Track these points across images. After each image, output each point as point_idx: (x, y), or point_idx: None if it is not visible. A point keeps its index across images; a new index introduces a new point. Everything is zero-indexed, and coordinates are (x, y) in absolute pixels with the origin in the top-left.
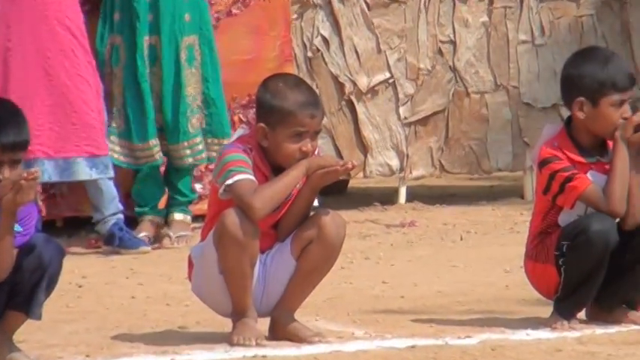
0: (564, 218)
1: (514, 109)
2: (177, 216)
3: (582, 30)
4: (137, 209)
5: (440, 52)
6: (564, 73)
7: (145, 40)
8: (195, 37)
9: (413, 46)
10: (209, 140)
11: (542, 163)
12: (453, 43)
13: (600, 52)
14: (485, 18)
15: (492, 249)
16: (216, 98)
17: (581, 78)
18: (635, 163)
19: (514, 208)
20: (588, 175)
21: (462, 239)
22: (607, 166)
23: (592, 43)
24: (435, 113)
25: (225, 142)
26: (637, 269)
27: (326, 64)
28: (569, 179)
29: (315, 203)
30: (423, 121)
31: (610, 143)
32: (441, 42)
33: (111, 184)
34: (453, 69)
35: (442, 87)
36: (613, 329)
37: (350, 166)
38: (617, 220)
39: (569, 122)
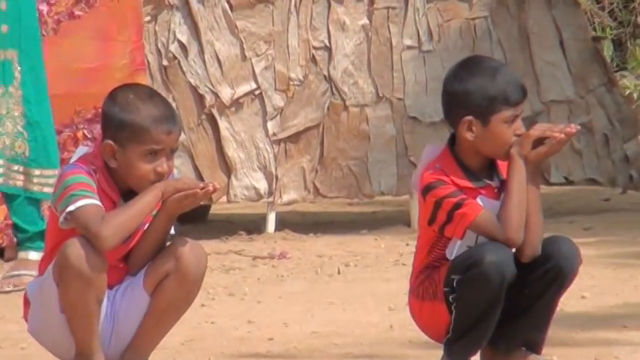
0: (453, 250)
1: (399, 124)
2: (21, 254)
3: (475, 34)
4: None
5: (313, 59)
6: (447, 90)
7: None
8: (13, 52)
9: (282, 53)
10: (35, 171)
11: (426, 190)
12: (328, 49)
13: (486, 63)
14: (364, 21)
15: (375, 284)
16: (41, 121)
17: (468, 94)
18: (532, 183)
19: (399, 238)
20: (478, 200)
21: (339, 273)
22: (497, 190)
23: (486, 48)
24: (307, 129)
25: (51, 172)
26: (537, 307)
27: (184, 73)
28: (457, 206)
29: (172, 232)
30: (295, 137)
31: (501, 164)
32: (315, 48)
33: None
34: (329, 79)
35: (316, 99)
36: None
37: (211, 189)
38: (514, 250)
39: (452, 141)
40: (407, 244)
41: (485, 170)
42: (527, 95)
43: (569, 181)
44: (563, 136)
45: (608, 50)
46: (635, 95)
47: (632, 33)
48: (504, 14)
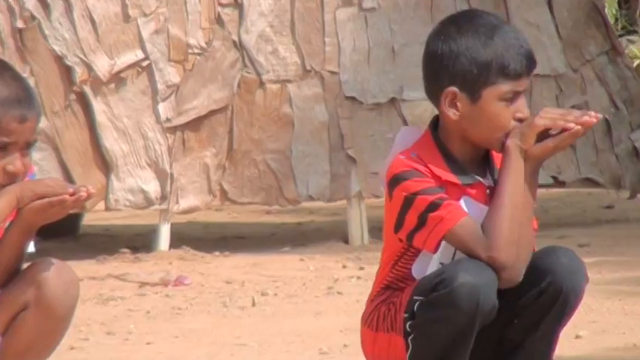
0: (421, 267)
1: (332, 107)
2: None
3: None
4: None
5: (219, 20)
6: (428, 51)
7: None
8: None
9: (178, 12)
10: None
11: (394, 182)
12: (239, 5)
13: (483, 19)
14: None
15: (302, 319)
16: None
17: (455, 58)
18: (529, 187)
19: (334, 258)
20: (462, 203)
21: (254, 305)
22: (489, 191)
23: (449, 6)
24: (212, 113)
25: None
26: (531, 342)
27: (45, 38)
28: (433, 206)
29: (31, 249)
30: (195, 124)
31: (497, 157)
32: (221, 5)
33: None
34: (239, 46)
35: (223, 73)
36: None
37: (84, 194)
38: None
39: (435, 125)
40: (344, 267)
41: (476, 163)
42: (535, 66)
43: (559, 182)
44: (579, 127)
45: (611, 7)
46: None
47: None
48: None
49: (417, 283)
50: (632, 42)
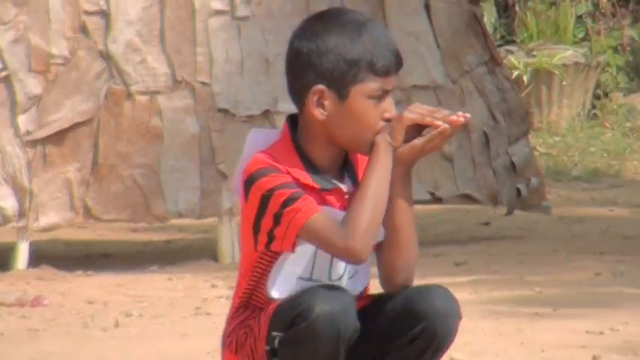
0: (275, 281)
1: (203, 119)
2: None
3: None
4: None
5: (84, 28)
6: (293, 49)
7: None
8: None
9: (40, 21)
10: None
11: (250, 181)
12: (106, 14)
13: (350, 16)
14: None
15: (167, 341)
16: None
17: (322, 55)
18: (403, 189)
19: (203, 277)
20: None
21: (118, 326)
22: (348, 197)
23: None
24: (76, 126)
25: None
26: None
27: None
28: (289, 201)
29: None
30: (57, 138)
31: (359, 163)
32: (87, 13)
33: None
34: (106, 56)
35: (88, 84)
36: None
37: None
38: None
39: (294, 125)
40: (213, 286)
41: (336, 168)
42: (402, 65)
43: (435, 199)
44: (446, 126)
45: (490, 17)
46: (525, 78)
47: None
48: None
49: (273, 312)
50: (510, 52)
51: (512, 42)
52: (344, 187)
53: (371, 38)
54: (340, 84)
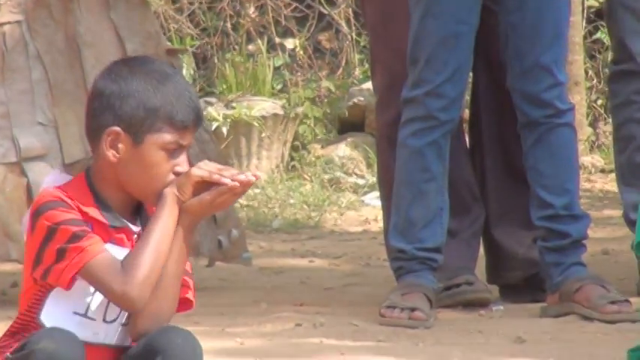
0: (53, 311)
1: None
2: None
3: (5, 46)
4: None
5: None
6: (96, 88)
7: None
8: None
9: None
10: None
11: (38, 213)
12: None
13: (157, 65)
14: None
15: None
16: None
17: (124, 97)
18: (183, 240)
19: None
20: (107, 246)
21: None
22: (137, 238)
23: (22, 65)
24: None
25: None
26: None
27: None
28: (75, 238)
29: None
30: None
31: (152, 211)
32: None
33: None
34: None
35: None
36: None
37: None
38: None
39: (88, 168)
40: None
41: (128, 211)
42: (201, 123)
43: None
44: (236, 184)
45: (188, 67)
46: (224, 130)
47: (221, 44)
48: (45, 18)
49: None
50: (210, 104)
51: (212, 93)
52: (134, 228)
53: (174, 91)
54: (137, 130)
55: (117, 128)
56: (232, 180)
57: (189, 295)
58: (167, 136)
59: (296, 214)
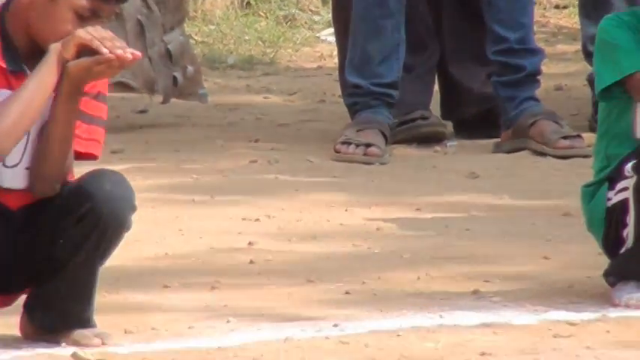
0: None
1: None
2: None
3: None
4: None
5: None
6: None
7: None
8: None
9: None
10: None
11: None
12: None
13: None
14: None
15: None
16: None
17: None
18: (67, 103)
19: None
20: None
21: None
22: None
23: None
24: None
25: None
26: (73, 268)
27: None
28: None
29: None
30: None
31: None
32: None
33: None
34: None
35: None
36: None
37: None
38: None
39: (7, 4)
40: None
41: (34, 58)
42: (124, 1)
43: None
44: (112, 57)
45: None
46: None
47: None
48: None
49: None
50: None
51: None
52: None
53: None
54: None
55: None
56: (110, 52)
57: (96, 150)
58: (83, 2)
59: (251, 51)
